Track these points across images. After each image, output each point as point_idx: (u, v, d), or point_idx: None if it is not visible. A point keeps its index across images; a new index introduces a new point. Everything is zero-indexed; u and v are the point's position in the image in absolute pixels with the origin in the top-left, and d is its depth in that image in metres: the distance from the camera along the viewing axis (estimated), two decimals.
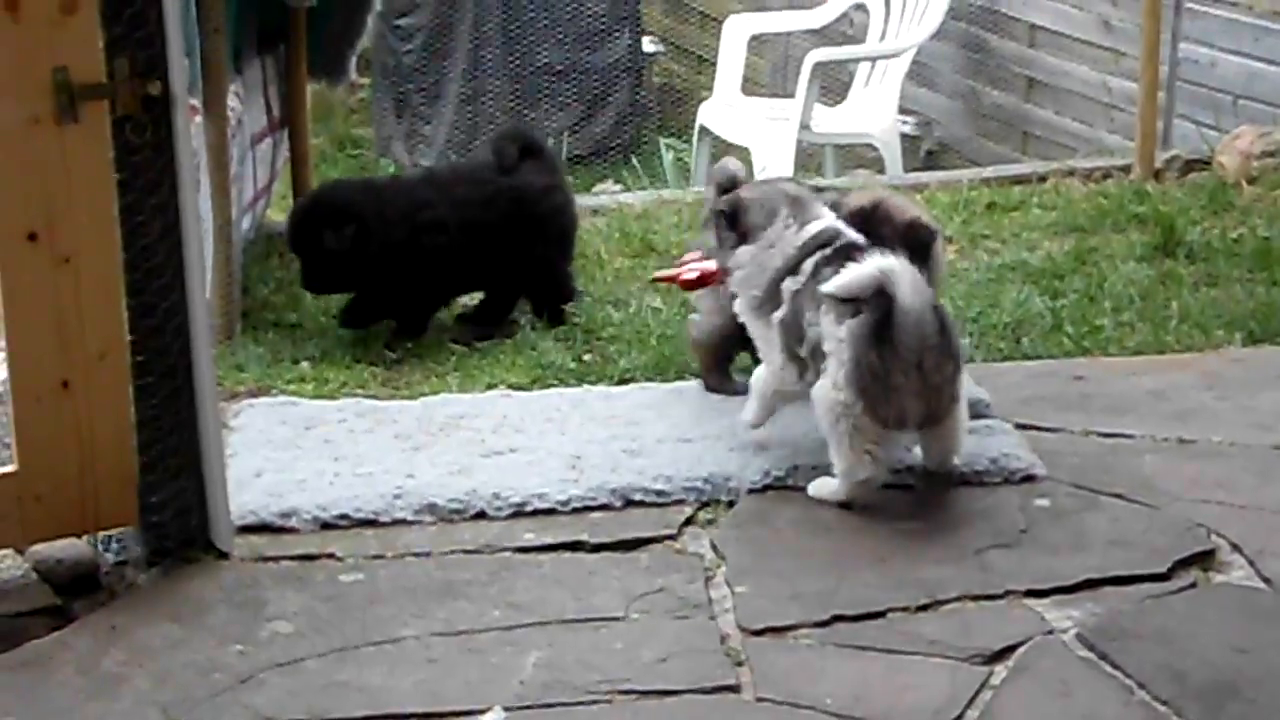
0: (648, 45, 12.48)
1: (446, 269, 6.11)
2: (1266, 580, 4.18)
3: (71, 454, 4.09)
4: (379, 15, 7.50)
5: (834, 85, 10.49)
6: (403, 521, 4.45)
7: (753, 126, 10.22)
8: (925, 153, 10.58)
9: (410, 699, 3.71)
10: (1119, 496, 4.57)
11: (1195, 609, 4.07)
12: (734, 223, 4.71)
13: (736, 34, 10.85)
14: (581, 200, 8.13)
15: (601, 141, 11.97)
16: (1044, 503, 4.54)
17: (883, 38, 10.32)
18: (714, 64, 11.05)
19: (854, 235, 4.61)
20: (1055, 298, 6.22)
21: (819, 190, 5.13)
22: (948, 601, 4.08)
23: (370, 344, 6.03)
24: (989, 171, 8.35)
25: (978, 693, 3.73)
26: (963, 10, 10.22)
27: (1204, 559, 4.28)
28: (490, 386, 5.47)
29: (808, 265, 4.55)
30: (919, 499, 4.57)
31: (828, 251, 4.54)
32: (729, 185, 4.96)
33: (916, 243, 4.63)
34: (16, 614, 4.07)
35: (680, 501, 4.54)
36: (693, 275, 5.06)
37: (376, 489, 4.55)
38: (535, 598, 4.10)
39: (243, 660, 3.86)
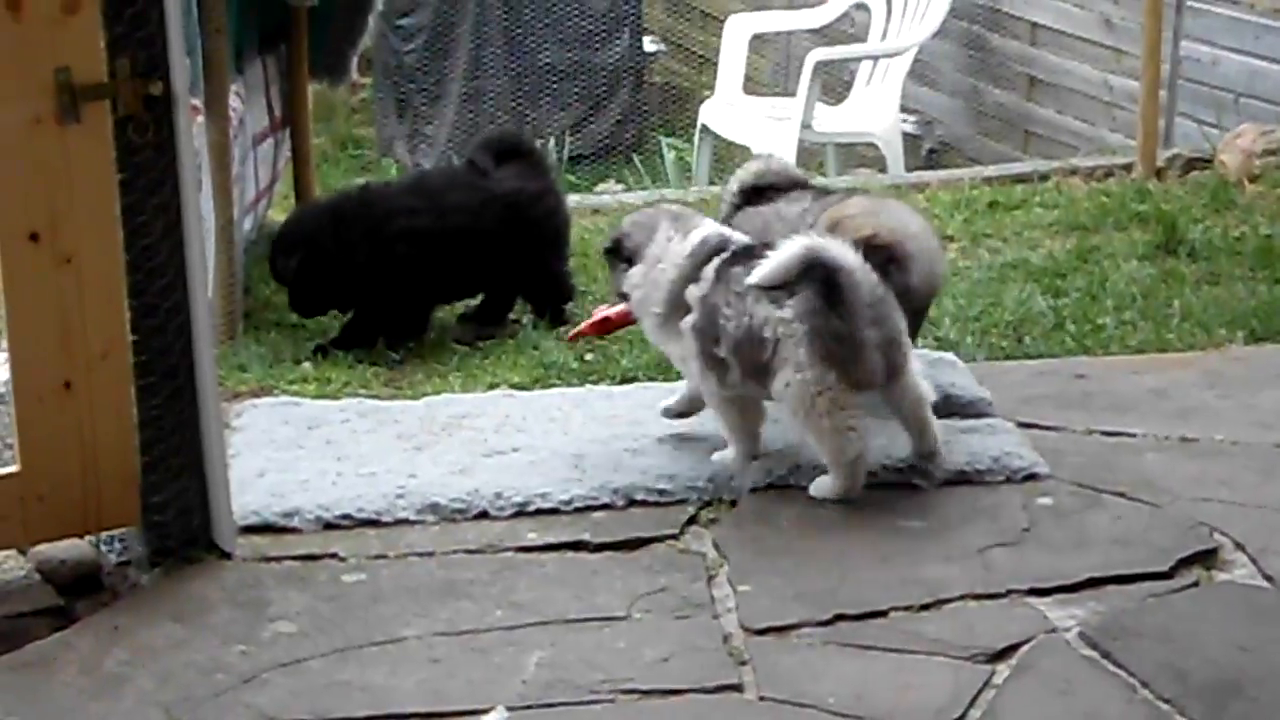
0: (649, 45, 12.49)
1: (429, 276, 6.11)
2: (1269, 578, 4.18)
3: (74, 454, 4.09)
4: (380, 15, 7.52)
5: (835, 84, 10.50)
6: (405, 521, 4.45)
7: (754, 126, 10.22)
8: (927, 151, 10.58)
9: (413, 699, 3.71)
10: (1121, 495, 4.57)
11: (1198, 607, 4.07)
12: (619, 252, 4.76)
13: (738, 33, 10.85)
14: (583, 200, 8.16)
15: (603, 141, 11.98)
16: (1046, 501, 4.54)
17: (884, 37, 10.32)
18: (715, 63, 11.06)
19: (743, 238, 4.66)
20: (1057, 296, 6.23)
21: (826, 192, 5.15)
22: (950, 601, 4.08)
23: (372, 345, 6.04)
24: (991, 170, 8.36)
25: (980, 692, 3.73)
26: (964, 9, 10.22)
27: (1206, 557, 4.27)
28: (492, 386, 5.47)
29: (709, 270, 4.57)
30: (921, 498, 4.57)
31: (726, 254, 4.57)
32: (752, 185, 5.02)
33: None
34: (19, 614, 4.07)
35: (683, 501, 4.54)
36: (598, 318, 5.13)
37: (379, 489, 4.55)
38: (538, 597, 4.10)
39: (245, 660, 3.86)
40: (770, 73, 11.79)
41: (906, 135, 10.24)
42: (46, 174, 3.93)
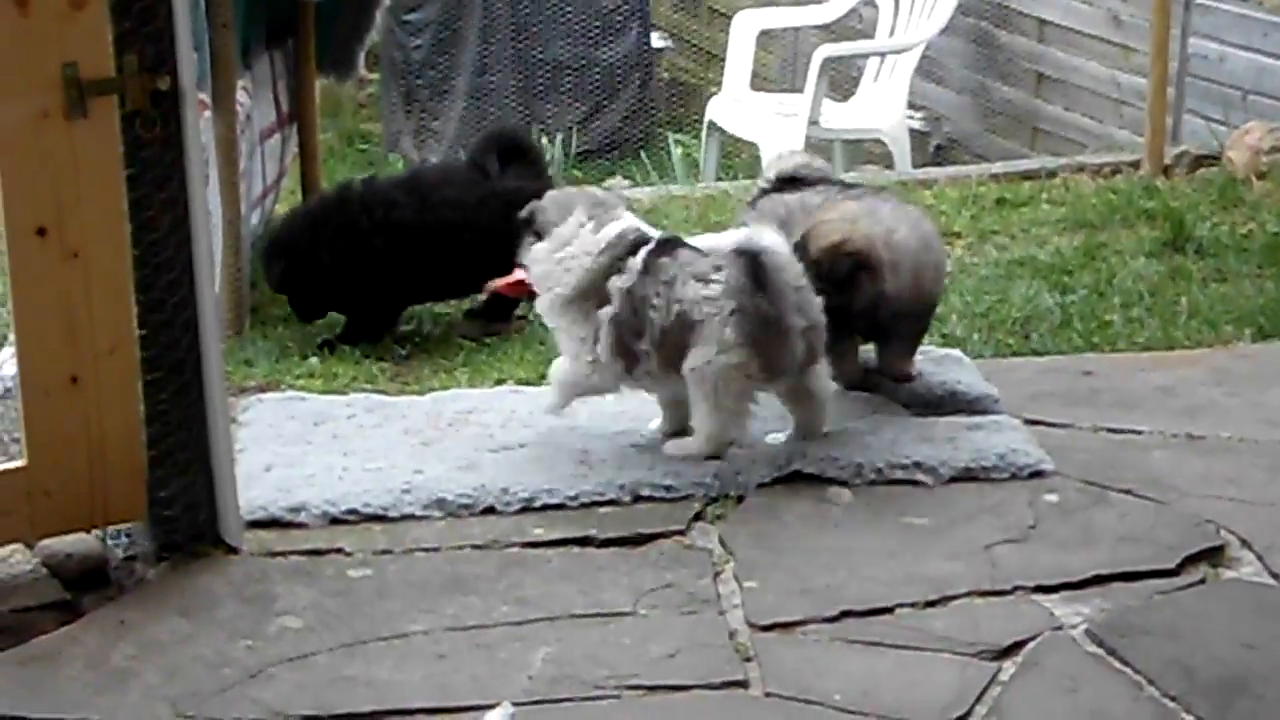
0: (656, 40, 12.48)
1: (415, 272, 6.11)
2: (1276, 576, 4.18)
3: (80, 449, 4.10)
4: (388, 10, 7.54)
5: (843, 81, 10.49)
6: (411, 517, 4.45)
7: (761, 122, 10.21)
8: (934, 148, 10.57)
9: (419, 694, 3.72)
10: (1128, 492, 4.57)
11: (1204, 605, 4.07)
12: (531, 224, 4.80)
13: (745, 29, 10.84)
14: None
15: (610, 137, 11.97)
16: (1053, 498, 4.54)
17: (892, 33, 10.31)
18: (723, 59, 11.04)
19: (658, 233, 4.73)
20: (1064, 293, 6.22)
21: (850, 187, 5.17)
22: (956, 597, 4.08)
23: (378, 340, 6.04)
24: (998, 167, 8.35)
25: (986, 688, 3.73)
26: (972, 5, 10.21)
27: (1213, 555, 4.27)
28: (499, 382, 5.47)
29: (636, 262, 4.60)
30: (927, 495, 4.57)
31: (651, 246, 4.62)
32: (789, 175, 5.06)
33: (833, 272, 4.75)
34: (26, 609, 4.08)
35: (689, 497, 4.54)
36: (515, 279, 5.15)
37: (385, 484, 4.56)
38: (544, 593, 4.10)
39: (251, 655, 3.86)
40: (778, 69, 11.77)
41: (914, 132, 10.23)
42: (54, 169, 3.93)
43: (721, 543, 4.34)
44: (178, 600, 4.08)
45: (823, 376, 4.68)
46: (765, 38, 11.06)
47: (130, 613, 4.04)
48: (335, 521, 4.42)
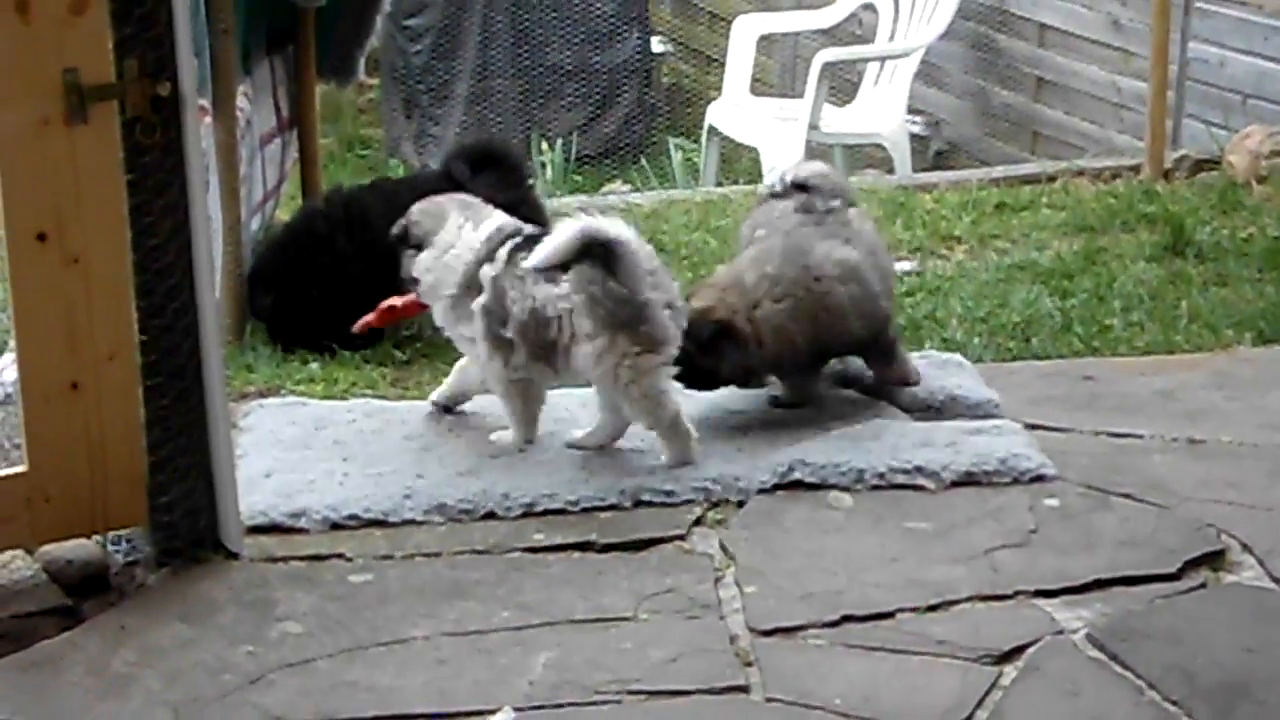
0: (656, 45, 12.48)
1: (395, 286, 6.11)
2: (1277, 580, 4.18)
3: (81, 454, 4.10)
4: (388, 16, 7.50)
5: (843, 85, 10.49)
6: (412, 522, 4.45)
7: (761, 127, 10.21)
8: (934, 153, 10.57)
9: (420, 699, 3.72)
10: (1128, 496, 4.57)
11: (1205, 609, 4.07)
12: (407, 239, 4.89)
13: (745, 34, 10.85)
14: (590, 200, 8.15)
15: (610, 141, 11.97)
16: (1053, 503, 4.54)
17: (892, 37, 10.31)
18: (723, 64, 11.05)
19: (534, 229, 4.82)
20: (1064, 298, 6.22)
21: (851, 205, 5.15)
22: (957, 602, 4.08)
23: (379, 344, 6.03)
24: (998, 171, 8.34)
25: (987, 693, 3.73)
26: (972, 10, 10.21)
27: (1214, 559, 4.27)
28: None
29: (503, 252, 4.73)
30: (928, 500, 4.57)
31: (519, 239, 4.75)
32: (802, 182, 5.13)
33: (695, 334, 4.79)
34: (27, 614, 4.08)
35: (689, 501, 4.54)
36: (384, 308, 5.29)
37: (386, 489, 4.56)
38: (544, 598, 4.10)
39: (252, 660, 3.86)
40: (778, 74, 11.77)
41: (914, 136, 10.23)
42: (54, 174, 3.93)
43: (722, 547, 4.34)
44: (178, 606, 4.08)
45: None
46: (765, 42, 11.06)
47: (131, 618, 4.04)
48: (336, 527, 4.43)
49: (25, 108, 3.89)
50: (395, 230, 4.94)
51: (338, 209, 6.29)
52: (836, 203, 5.10)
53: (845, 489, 4.60)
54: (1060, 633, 3.95)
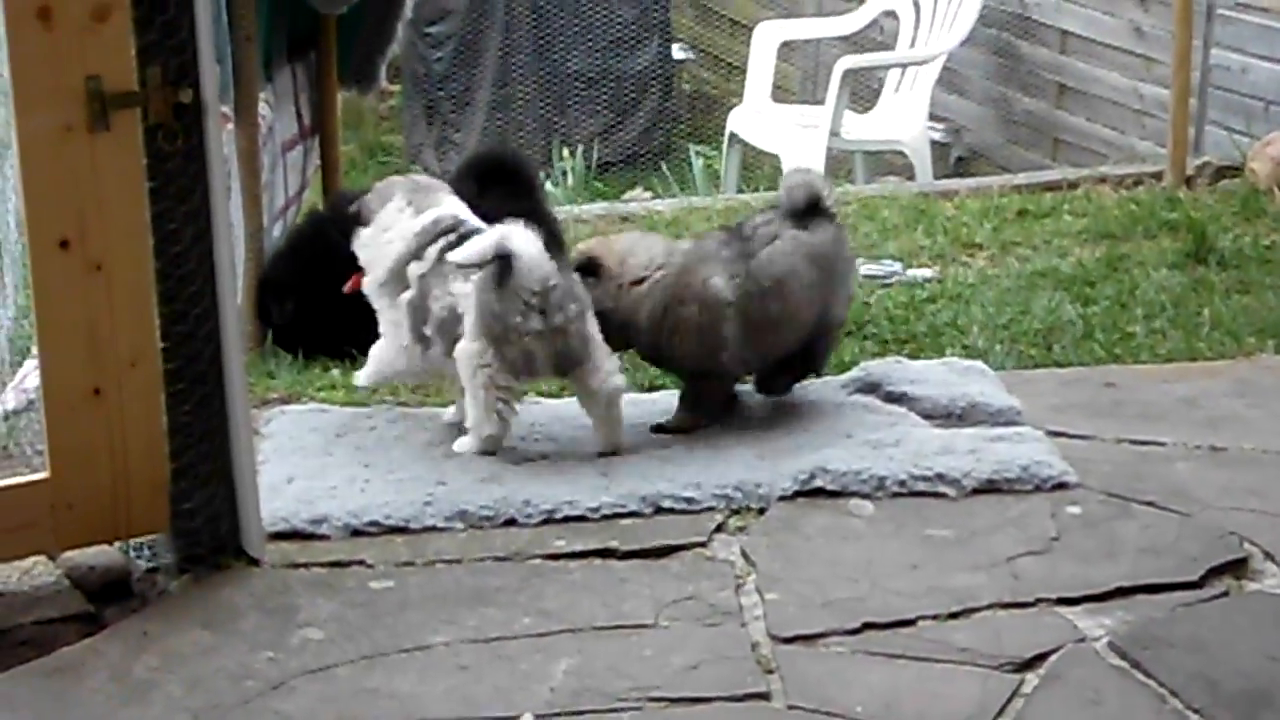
0: (677, 52, 12.48)
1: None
2: None
3: (103, 461, 4.11)
4: (409, 23, 7.52)
5: (864, 92, 10.48)
6: (433, 528, 4.46)
7: (783, 133, 10.21)
8: (955, 159, 10.56)
9: (441, 706, 3.72)
10: (1151, 504, 4.56)
11: (1227, 617, 4.06)
12: (358, 215, 5.05)
13: (766, 41, 10.85)
14: (611, 207, 8.16)
15: (631, 148, 11.98)
16: (1075, 510, 4.53)
17: (913, 44, 10.30)
18: (744, 71, 11.04)
19: (477, 222, 4.88)
20: (1086, 305, 6.21)
21: (837, 227, 5.12)
22: (979, 609, 4.07)
23: None
24: (1020, 178, 8.33)
25: (1009, 701, 3.72)
26: (993, 17, 10.21)
27: (1236, 567, 4.26)
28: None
29: (432, 251, 4.83)
30: (949, 507, 4.56)
31: (452, 238, 4.81)
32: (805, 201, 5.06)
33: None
34: (49, 620, 4.09)
35: (710, 508, 4.54)
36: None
37: (407, 496, 4.56)
38: (565, 604, 4.10)
39: (274, 667, 3.86)
40: (799, 81, 11.77)
41: (935, 143, 10.22)
42: (76, 181, 3.94)
43: (743, 555, 4.34)
44: (200, 612, 4.09)
45: (598, 376, 4.77)
46: (786, 49, 11.06)
47: (153, 624, 4.05)
48: (357, 533, 4.43)
49: (48, 115, 3.90)
50: (352, 207, 5.11)
51: (343, 214, 6.28)
52: (769, 228, 5.00)
53: (866, 496, 4.59)
54: (1082, 640, 3.94)
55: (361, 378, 5.11)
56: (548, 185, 10.75)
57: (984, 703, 3.70)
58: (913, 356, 5.63)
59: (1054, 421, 5.02)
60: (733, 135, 10.48)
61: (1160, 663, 3.83)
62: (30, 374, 4.68)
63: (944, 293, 6.41)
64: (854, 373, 5.34)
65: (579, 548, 4.36)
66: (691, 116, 12.54)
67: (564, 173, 11.15)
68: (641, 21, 12.06)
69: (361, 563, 4.30)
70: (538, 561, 4.31)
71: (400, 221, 4.93)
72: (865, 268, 6.68)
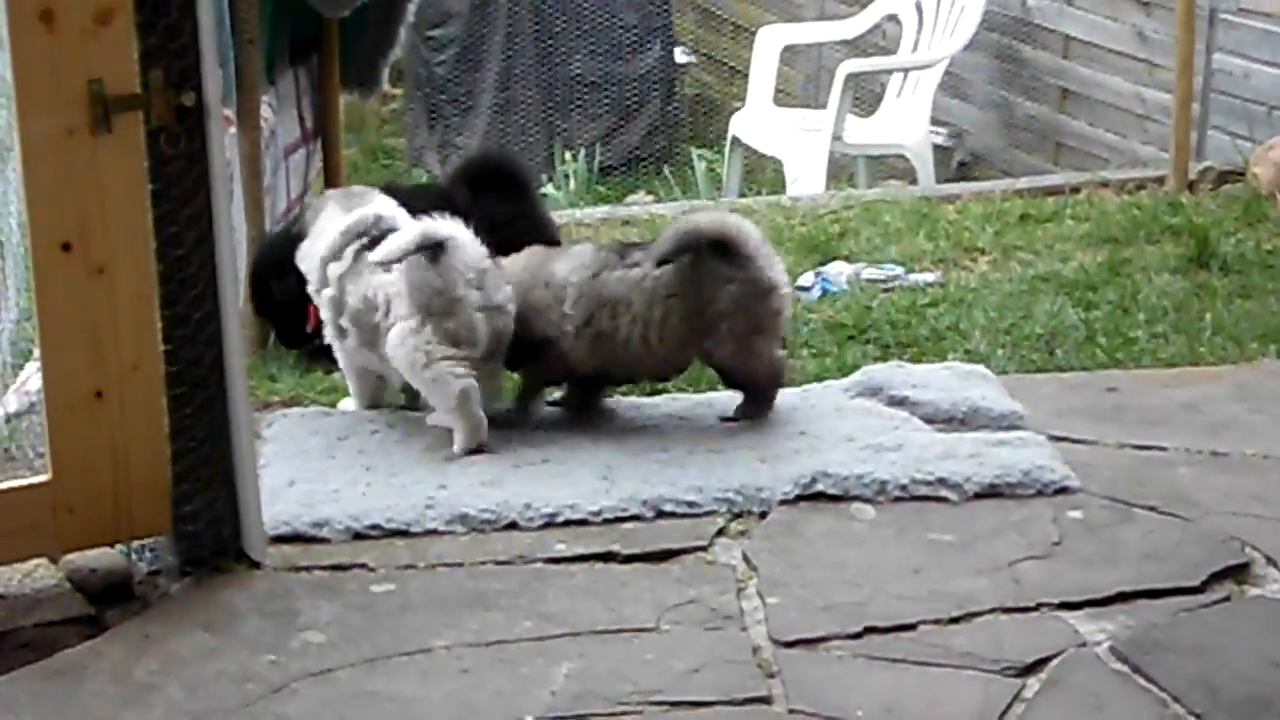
0: (680, 56, 12.49)
1: None
2: None
3: (105, 464, 4.11)
4: (412, 26, 7.53)
5: (866, 96, 10.48)
6: (434, 532, 4.46)
7: (785, 137, 10.21)
8: (958, 164, 10.56)
9: (442, 709, 3.72)
10: (1152, 509, 4.55)
11: (1229, 622, 4.06)
12: (303, 231, 5.21)
13: (769, 45, 10.85)
14: (613, 211, 8.16)
15: (633, 152, 11.98)
16: (1077, 515, 4.53)
17: (915, 49, 10.31)
18: (746, 75, 11.05)
19: (395, 222, 4.96)
20: (1088, 309, 6.21)
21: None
22: (980, 614, 4.07)
23: None
24: (1022, 183, 8.34)
25: (1010, 705, 3.72)
26: (996, 21, 10.21)
27: (1238, 572, 4.26)
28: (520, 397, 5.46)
29: (349, 252, 4.99)
30: (951, 511, 4.56)
31: (366, 240, 4.95)
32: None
33: None
34: (50, 623, 4.09)
35: (712, 512, 4.54)
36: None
37: (408, 499, 4.56)
38: (567, 608, 4.10)
39: (275, 670, 3.86)
40: (801, 84, 11.77)
41: (937, 147, 10.22)
42: (79, 185, 3.95)
43: (745, 558, 4.34)
44: (201, 615, 4.09)
45: (492, 369, 4.95)
46: (789, 53, 11.07)
47: (154, 627, 4.05)
48: (358, 537, 4.43)
49: (50, 118, 3.90)
50: (294, 228, 5.35)
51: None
52: (640, 255, 5.01)
53: (868, 500, 4.59)
54: (1083, 645, 3.94)
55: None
56: (550, 189, 10.80)
57: (985, 707, 3.70)
58: (915, 361, 5.63)
59: (1056, 426, 5.02)
60: (735, 139, 10.48)
61: (1161, 668, 3.83)
62: (32, 377, 4.68)
63: (946, 297, 6.41)
64: (856, 376, 5.34)
65: (580, 551, 4.36)
66: (694, 120, 12.54)
67: (566, 176, 11.16)
68: (644, 25, 12.07)
69: (363, 566, 4.30)
70: (539, 565, 4.31)
71: (328, 226, 5.06)
72: (867, 272, 6.69)
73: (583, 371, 5.04)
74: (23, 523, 4.08)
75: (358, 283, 4.94)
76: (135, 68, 3.95)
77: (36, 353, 4.14)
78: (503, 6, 11.84)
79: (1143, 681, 3.80)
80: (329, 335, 5.14)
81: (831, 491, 4.60)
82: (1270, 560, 4.30)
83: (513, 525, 4.48)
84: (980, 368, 5.46)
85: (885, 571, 4.25)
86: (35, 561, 4.24)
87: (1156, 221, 7.24)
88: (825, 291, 6.53)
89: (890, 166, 10.41)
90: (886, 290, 6.49)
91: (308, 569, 4.29)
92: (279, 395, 5.46)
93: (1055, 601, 4.11)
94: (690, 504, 4.55)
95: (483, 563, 4.32)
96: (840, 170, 10.13)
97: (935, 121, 10.24)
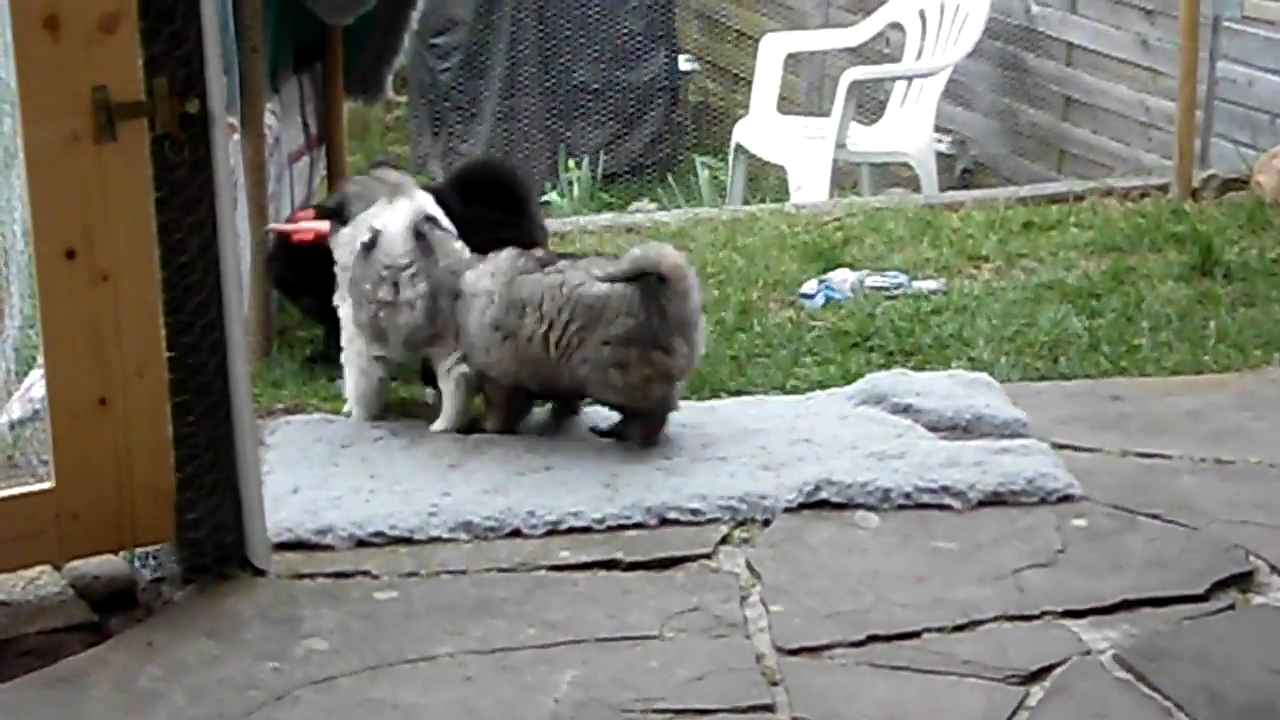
0: (683, 63, 12.48)
1: None
2: None
3: (109, 471, 4.11)
4: (416, 34, 7.51)
5: (870, 104, 10.48)
6: (438, 539, 4.46)
7: (788, 145, 10.21)
8: (961, 171, 10.55)
9: (445, 717, 3.72)
10: (1156, 517, 4.55)
11: (1233, 630, 4.05)
12: (340, 213, 5.31)
13: (772, 52, 10.84)
14: (617, 218, 8.15)
15: (637, 159, 11.97)
16: (1081, 523, 4.53)
17: (919, 56, 10.30)
18: (750, 82, 11.04)
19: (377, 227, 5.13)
20: (1092, 317, 6.21)
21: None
22: (984, 622, 4.07)
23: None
24: (1026, 190, 8.32)
25: (1014, 714, 3.72)
26: (999, 29, 10.20)
27: (1242, 580, 4.26)
28: None
29: (359, 244, 5.18)
30: (955, 519, 4.56)
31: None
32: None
33: None
34: (53, 630, 4.09)
35: (715, 520, 4.54)
36: (308, 235, 5.53)
37: (412, 506, 4.56)
38: (570, 616, 4.10)
39: (278, 677, 3.86)
40: (805, 92, 11.76)
41: (941, 155, 10.21)
42: (83, 192, 3.95)
43: (748, 566, 4.34)
44: (205, 622, 4.09)
45: (445, 361, 5.07)
46: (792, 61, 11.06)
47: (157, 635, 4.05)
48: (362, 544, 4.43)
49: (55, 125, 3.91)
50: (331, 201, 5.41)
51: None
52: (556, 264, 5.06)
53: (871, 508, 4.59)
54: (1087, 653, 3.94)
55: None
56: (553, 196, 10.80)
57: (989, 715, 3.70)
58: (918, 368, 5.63)
59: (1060, 434, 5.02)
60: (739, 147, 10.48)
61: (1165, 676, 3.83)
62: (36, 383, 4.68)
63: (950, 305, 6.40)
64: (859, 384, 5.34)
65: (584, 559, 4.36)
66: (697, 128, 12.53)
67: (570, 184, 11.15)
68: (648, 33, 12.06)
69: (366, 573, 4.30)
70: (542, 573, 4.31)
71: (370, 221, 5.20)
72: (871, 279, 6.68)
73: (505, 382, 5.02)
74: (26, 529, 4.08)
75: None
76: (140, 75, 3.95)
77: (40, 360, 4.14)
78: (507, 14, 11.84)
79: (1147, 690, 3.80)
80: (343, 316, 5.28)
81: (835, 499, 4.60)
82: (1274, 568, 4.30)
83: (516, 533, 4.48)
84: (984, 375, 5.46)
85: (889, 579, 4.25)
86: (39, 568, 4.24)
87: (1160, 229, 7.24)
88: (829, 299, 6.52)
89: (894, 174, 10.41)
90: (890, 298, 6.48)
91: (311, 576, 4.29)
92: (282, 402, 5.46)
93: (1059, 609, 4.11)
94: (694, 511, 4.55)
95: (486, 570, 4.32)
96: (844, 178, 10.13)
97: (939, 129, 10.23)
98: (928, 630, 4.03)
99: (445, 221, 5.22)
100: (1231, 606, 4.16)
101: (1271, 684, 3.81)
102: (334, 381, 5.71)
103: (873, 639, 3.99)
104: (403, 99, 12.30)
